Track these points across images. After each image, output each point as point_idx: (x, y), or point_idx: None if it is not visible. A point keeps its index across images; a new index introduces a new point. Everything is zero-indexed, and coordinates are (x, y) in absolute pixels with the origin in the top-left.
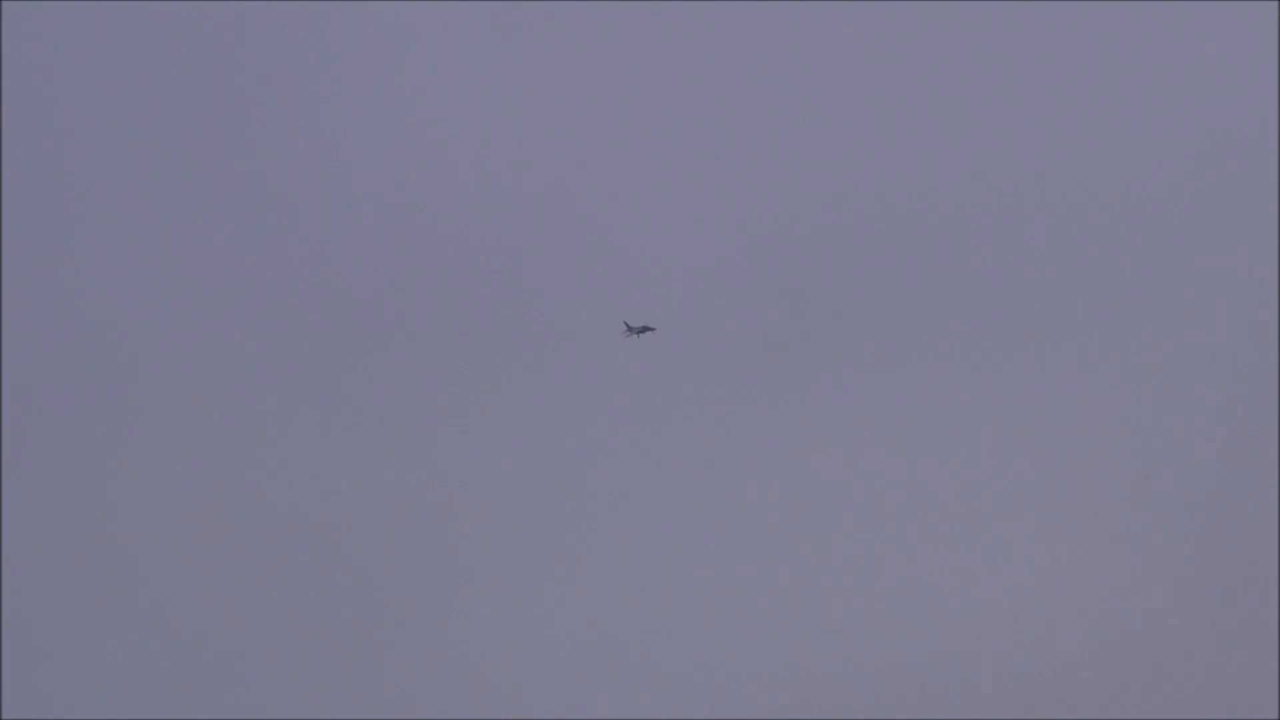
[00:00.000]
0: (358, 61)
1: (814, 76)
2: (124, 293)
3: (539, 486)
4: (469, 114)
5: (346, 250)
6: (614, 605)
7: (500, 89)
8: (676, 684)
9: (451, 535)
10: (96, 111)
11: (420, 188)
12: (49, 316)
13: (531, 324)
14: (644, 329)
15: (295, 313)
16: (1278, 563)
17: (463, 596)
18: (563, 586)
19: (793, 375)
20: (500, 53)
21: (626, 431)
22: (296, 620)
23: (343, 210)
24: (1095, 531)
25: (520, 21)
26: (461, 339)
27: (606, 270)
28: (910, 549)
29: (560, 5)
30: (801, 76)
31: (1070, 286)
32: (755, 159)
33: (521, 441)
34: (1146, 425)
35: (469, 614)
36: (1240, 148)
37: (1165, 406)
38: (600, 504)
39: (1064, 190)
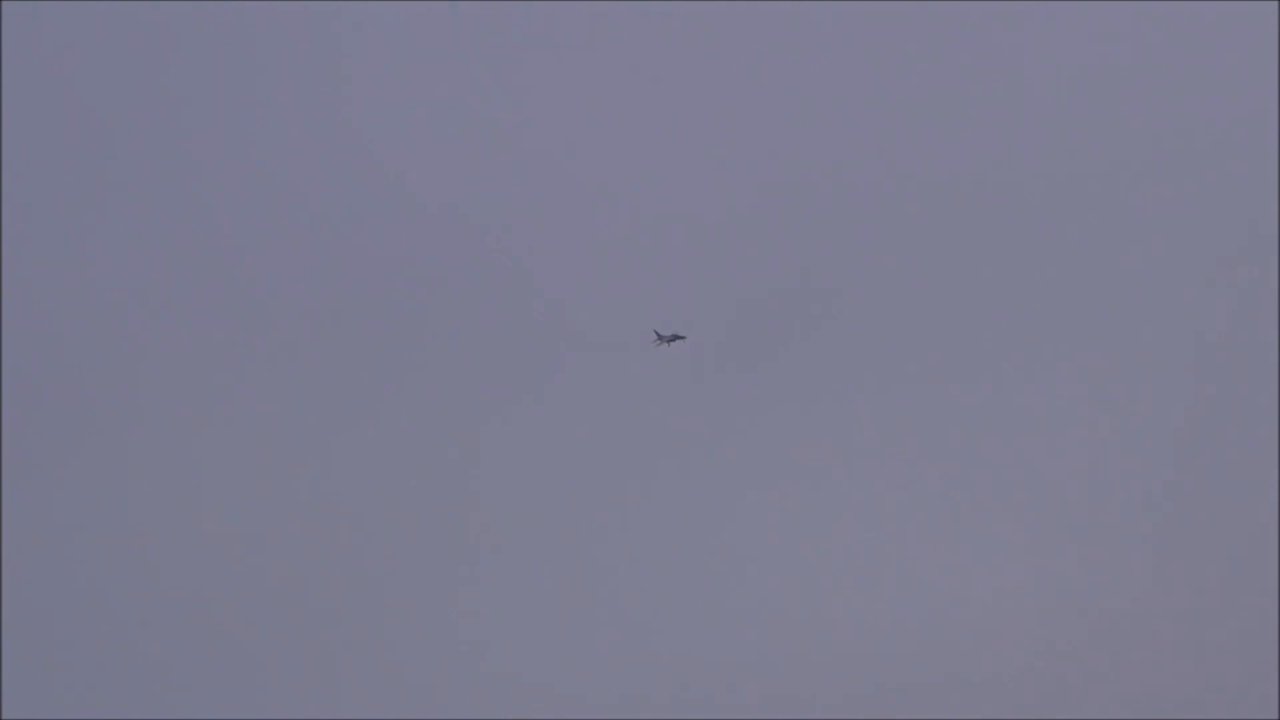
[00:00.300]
0: (374, 61)
1: (823, 78)
2: (131, 292)
3: (539, 487)
4: (492, 113)
5: (357, 249)
6: (616, 605)
7: (523, 91)
8: (680, 684)
9: (454, 535)
10: (96, 111)
11: (435, 187)
12: (57, 315)
13: (532, 325)
14: (674, 337)
15: (304, 312)
16: (1278, 563)
17: (467, 597)
18: (565, 587)
19: (792, 376)
20: (518, 52)
21: (628, 431)
22: (301, 621)
23: (358, 208)
24: (1095, 532)
25: (535, 20)
26: (466, 337)
27: (615, 272)
28: (911, 550)
29: (577, 5)
30: (811, 79)
31: (1069, 290)
32: (758, 161)
33: (521, 442)
34: (1148, 427)
35: (474, 614)
36: (1241, 149)
37: (1166, 409)
38: (601, 504)
39: (1064, 191)
